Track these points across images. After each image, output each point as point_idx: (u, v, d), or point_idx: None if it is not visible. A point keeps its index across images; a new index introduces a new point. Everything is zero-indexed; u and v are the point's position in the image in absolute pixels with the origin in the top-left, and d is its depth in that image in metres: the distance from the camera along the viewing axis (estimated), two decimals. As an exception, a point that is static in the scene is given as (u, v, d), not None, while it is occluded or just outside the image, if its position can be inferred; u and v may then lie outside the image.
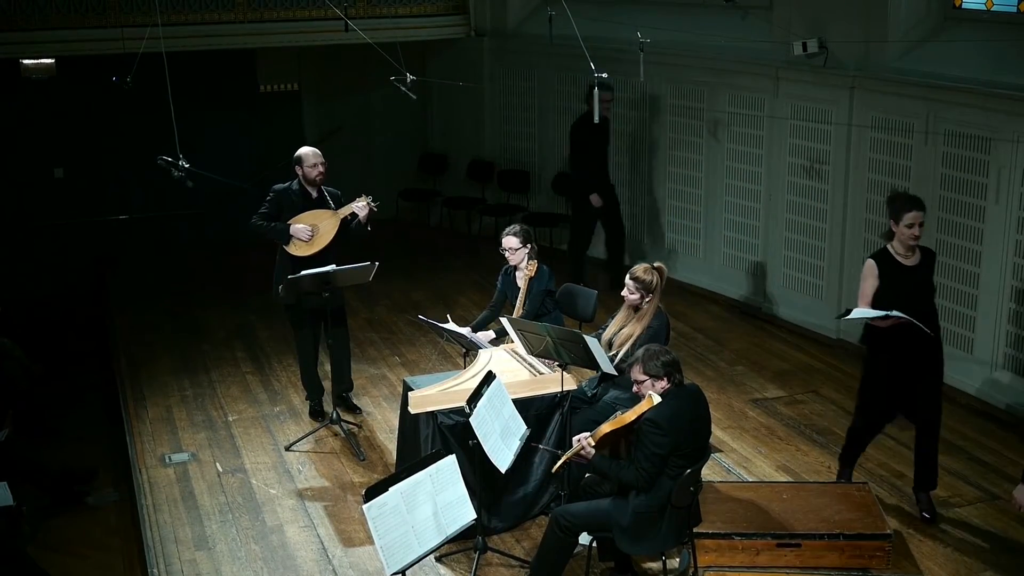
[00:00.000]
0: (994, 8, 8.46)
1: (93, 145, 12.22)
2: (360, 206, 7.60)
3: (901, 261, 6.41)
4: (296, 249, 7.66)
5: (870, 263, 6.45)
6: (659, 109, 10.94)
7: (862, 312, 6.35)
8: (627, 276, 6.68)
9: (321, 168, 7.66)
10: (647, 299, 6.62)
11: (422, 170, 13.31)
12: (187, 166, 7.23)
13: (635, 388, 5.58)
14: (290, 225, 7.62)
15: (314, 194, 7.74)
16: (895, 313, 6.20)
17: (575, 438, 5.64)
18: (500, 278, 7.57)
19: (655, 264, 6.71)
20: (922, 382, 6.53)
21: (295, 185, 7.75)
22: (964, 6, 8.69)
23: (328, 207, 7.71)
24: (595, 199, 10.48)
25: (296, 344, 8.22)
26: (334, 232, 7.65)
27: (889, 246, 6.45)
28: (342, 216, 7.65)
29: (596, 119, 7.24)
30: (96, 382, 9.47)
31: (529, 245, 7.31)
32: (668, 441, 5.33)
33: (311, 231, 7.62)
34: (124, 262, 12.06)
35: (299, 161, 7.69)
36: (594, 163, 10.47)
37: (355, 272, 7.52)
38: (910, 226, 6.33)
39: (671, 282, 10.88)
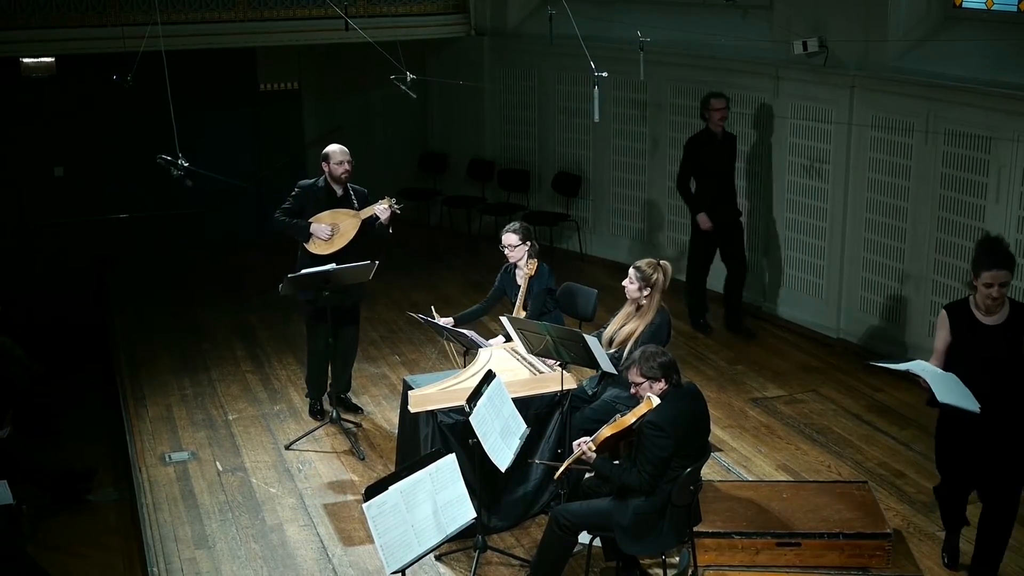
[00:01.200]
0: (994, 7, 8.46)
1: (93, 144, 12.22)
2: (381, 208, 7.58)
3: (979, 317, 5.50)
4: (315, 247, 7.66)
5: (942, 315, 5.62)
6: (659, 108, 10.94)
7: (887, 362, 5.74)
8: (631, 267, 6.68)
9: (348, 167, 7.64)
10: (645, 292, 6.61)
11: (422, 169, 13.31)
12: (186, 165, 7.23)
13: (632, 390, 5.57)
14: (310, 223, 7.63)
15: (339, 192, 7.72)
16: (915, 369, 5.51)
17: (576, 443, 5.64)
18: (500, 275, 7.57)
19: (660, 260, 6.70)
20: (990, 455, 5.60)
21: (321, 182, 7.74)
22: (964, 5, 8.68)
23: (352, 206, 7.69)
24: (702, 220, 9.37)
25: (308, 341, 8.20)
26: (354, 232, 7.63)
27: (972, 297, 5.55)
28: (363, 217, 7.64)
29: (596, 117, 7.21)
30: (96, 381, 9.48)
31: (529, 243, 7.30)
32: (671, 444, 5.32)
33: (330, 231, 7.61)
34: (124, 261, 12.06)
35: (326, 158, 7.68)
36: (709, 183, 9.36)
37: (355, 271, 7.51)
38: (988, 286, 5.38)
39: (671, 280, 10.90)
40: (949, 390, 5.37)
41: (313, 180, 7.81)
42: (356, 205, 7.69)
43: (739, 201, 9.80)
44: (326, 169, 7.70)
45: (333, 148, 7.68)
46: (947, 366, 5.56)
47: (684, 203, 9.62)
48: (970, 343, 5.51)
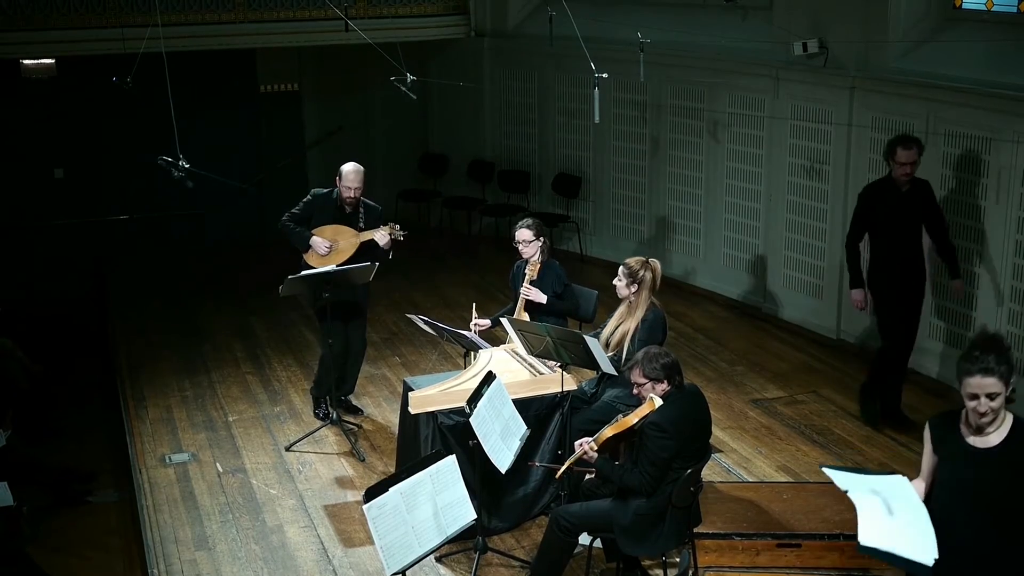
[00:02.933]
0: (994, 8, 8.46)
1: (93, 145, 12.22)
2: (380, 235, 7.61)
3: (968, 439, 4.04)
4: (313, 260, 7.68)
5: (926, 428, 4.28)
6: (659, 109, 10.94)
7: (839, 469, 4.39)
8: (621, 265, 6.71)
9: (354, 193, 7.61)
10: (633, 289, 6.61)
11: (422, 170, 13.31)
12: (187, 166, 7.23)
13: (635, 391, 5.57)
14: (312, 234, 7.65)
15: (348, 209, 7.72)
16: (854, 494, 4.19)
17: (577, 443, 5.64)
18: (512, 273, 7.55)
19: (649, 258, 6.72)
20: None
21: (334, 194, 7.74)
22: (964, 6, 8.68)
23: (357, 226, 7.70)
24: (856, 297, 7.76)
25: (321, 343, 8.24)
26: (352, 252, 7.65)
27: (964, 411, 4.12)
28: (363, 239, 7.65)
29: (596, 118, 7.22)
30: (96, 382, 9.46)
31: (542, 239, 7.31)
32: (673, 445, 5.32)
33: (328, 247, 7.63)
34: (124, 262, 12.05)
35: (339, 175, 7.68)
36: (886, 242, 7.54)
37: (355, 272, 7.52)
38: (973, 397, 3.97)
39: (671, 281, 10.92)
40: (886, 530, 4.02)
41: (328, 191, 7.81)
42: (362, 225, 7.70)
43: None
44: (337, 184, 7.71)
45: (347, 169, 7.65)
46: (929, 496, 4.24)
47: (852, 268, 7.82)
48: (956, 472, 4.12)
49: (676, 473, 5.38)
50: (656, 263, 6.71)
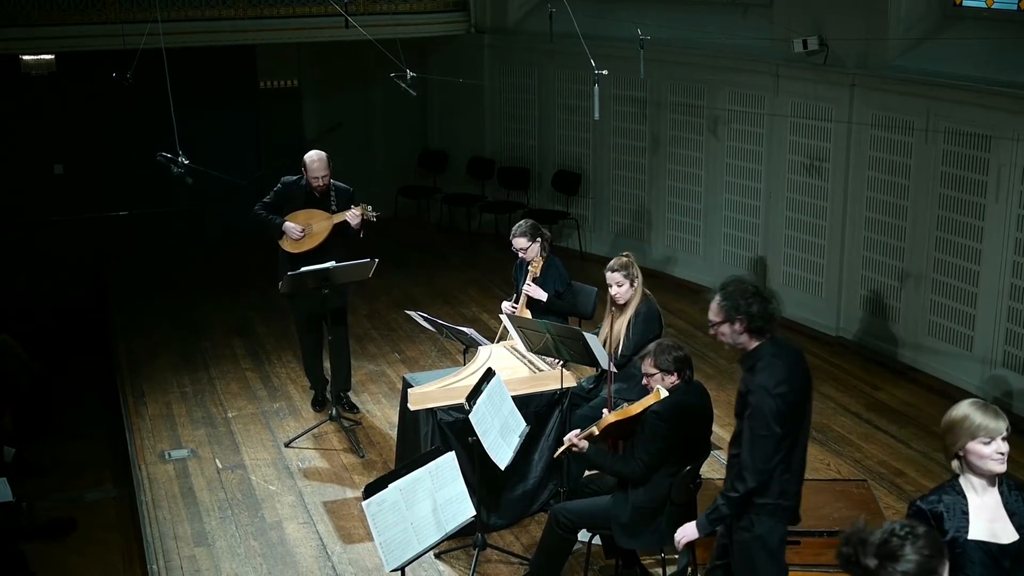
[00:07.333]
0: (994, 6, 8.46)
1: (93, 142, 12.22)
2: (351, 214, 7.62)
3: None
4: (288, 245, 7.71)
5: None
6: (659, 106, 10.93)
7: None
8: (607, 272, 6.60)
9: (322, 181, 7.63)
10: (635, 286, 6.60)
11: (422, 167, 13.31)
12: (186, 162, 7.24)
13: (644, 381, 5.57)
14: (285, 220, 7.67)
15: (318, 195, 7.73)
16: None
17: (566, 437, 5.66)
18: (515, 268, 7.55)
19: (624, 253, 6.71)
20: None
21: (303, 180, 7.76)
22: (964, 4, 8.67)
23: (329, 209, 7.71)
24: None
25: (299, 339, 8.29)
26: (325, 234, 7.67)
27: None
28: (335, 221, 7.67)
29: (596, 115, 7.22)
30: (96, 379, 9.47)
31: (539, 239, 7.30)
32: (669, 434, 5.33)
33: (301, 231, 7.65)
34: (124, 259, 12.05)
35: (303, 164, 7.69)
36: None
37: (355, 269, 7.52)
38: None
39: (671, 278, 10.93)
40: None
41: (297, 177, 7.81)
42: (334, 208, 7.71)
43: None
44: (306, 175, 7.71)
45: (311, 158, 7.65)
46: None
47: None
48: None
49: (673, 468, 5.38)
50: (629, 254, 6.70)
